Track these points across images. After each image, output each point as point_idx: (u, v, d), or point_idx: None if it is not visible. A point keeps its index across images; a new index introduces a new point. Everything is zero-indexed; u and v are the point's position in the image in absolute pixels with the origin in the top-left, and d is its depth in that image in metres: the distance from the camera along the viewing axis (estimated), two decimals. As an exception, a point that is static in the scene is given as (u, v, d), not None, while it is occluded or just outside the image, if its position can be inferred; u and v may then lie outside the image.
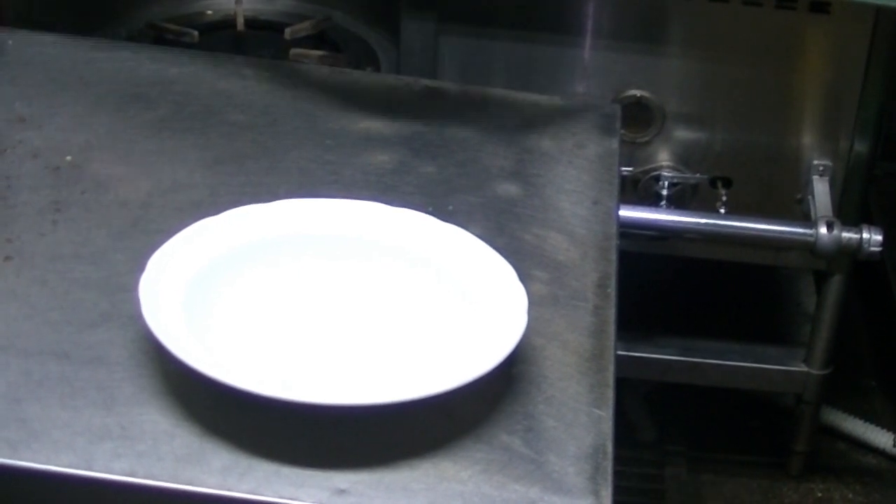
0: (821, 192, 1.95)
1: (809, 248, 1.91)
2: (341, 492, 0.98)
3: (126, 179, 1.28)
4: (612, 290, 1.21)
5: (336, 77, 1.52)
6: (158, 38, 2.08)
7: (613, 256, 1.26)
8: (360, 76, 1.55)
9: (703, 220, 1.94)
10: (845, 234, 1.90)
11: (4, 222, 1.21)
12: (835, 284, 2.00)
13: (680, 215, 1.95)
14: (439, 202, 1.29)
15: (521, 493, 1.00)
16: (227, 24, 2.14)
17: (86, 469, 0.98)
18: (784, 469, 2.18)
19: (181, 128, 1.37)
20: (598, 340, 1.15)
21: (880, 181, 2.31)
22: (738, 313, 2.19)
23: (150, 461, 0.99)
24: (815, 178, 1.97)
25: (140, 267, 1.10)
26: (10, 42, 1.47)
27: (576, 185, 1.36)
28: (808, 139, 1.96)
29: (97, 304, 1.12)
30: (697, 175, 1.99)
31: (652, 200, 1.99)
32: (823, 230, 1.90)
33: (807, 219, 1.94)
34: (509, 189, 1.34)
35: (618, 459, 1.05)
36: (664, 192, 1.99)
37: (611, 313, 1.19)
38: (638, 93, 1.95)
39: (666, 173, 1.99)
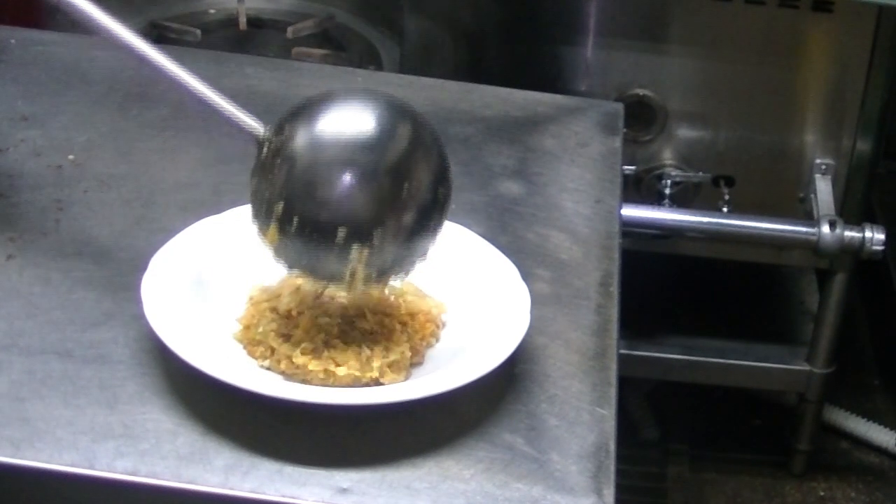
0: (823, 190, 1.95)
1: (812, 246, 1.91)
2: (344, 490, 0.98)
3: (128, 178, 1.28)
4: (614, 289, 1.21)
5: (338, 76, 1.52)
6: (161, 37, 2.08)
7: (616, 255, 1.26)
8: (363, 75, 1.55)
9: (706, 219, 1.95)
10: (848, 233, 1.90)
11: (7, 221, 1.21)
12: (837, 283, 2.00)
13: (682, 214, 1.95)
14: (442, 201, 1.29)
15: (523, 492, 1.00)
16: (229, 22, 2.15)
17: (88, 468, 0.98)
18: (787, 468, 2.18)
19: (183, 126, 1.36)
20: (601, 339, 1.15)
21: (883, 180, 2.31)
22: (741, 312, 2.19)
23: (152, 460, 0.99)
24: (818, 176, 1.97)
25: (142, 266, 1.10)
26: (13, 40, 1.47)
27: (578, 183, 1.36)
28: (810, 138, 1.96)
29: (100, 302, 1.12)
30: (700, 174, 1.99)
31: (654, 199, 1.99)
32: (826, 229, 1.90)
33: (809, 218, 1.94)
34: (512, 188, 1.34)
35: (620, 458, 1.05)
36: (667, 191, 1.99)
37: (613, 312, 1.19)
38: (641, 91, 1.95)
39: (669, 172, 1.99)
